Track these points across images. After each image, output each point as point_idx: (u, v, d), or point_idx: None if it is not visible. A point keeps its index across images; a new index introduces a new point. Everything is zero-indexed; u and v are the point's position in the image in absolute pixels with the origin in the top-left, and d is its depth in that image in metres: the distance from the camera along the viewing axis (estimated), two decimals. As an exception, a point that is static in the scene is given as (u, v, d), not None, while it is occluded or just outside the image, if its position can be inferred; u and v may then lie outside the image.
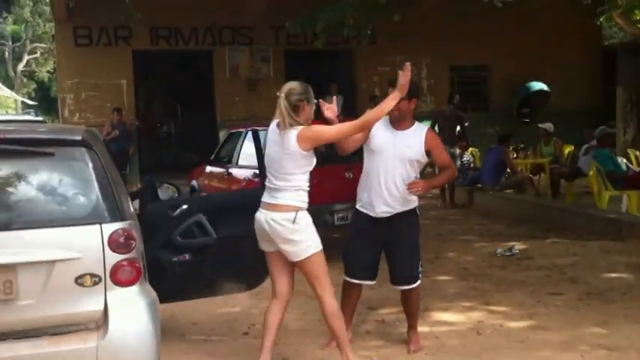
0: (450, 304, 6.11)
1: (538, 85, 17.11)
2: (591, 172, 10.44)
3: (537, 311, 5.84)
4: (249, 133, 8.23)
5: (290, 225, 4.28)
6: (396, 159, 4.82)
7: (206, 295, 5.51)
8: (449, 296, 6.34)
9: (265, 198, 4.43)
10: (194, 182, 10.21)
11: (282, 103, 4.33)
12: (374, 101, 13.67)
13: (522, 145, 12.53)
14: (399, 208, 4.87)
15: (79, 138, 3.52)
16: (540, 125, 12.39)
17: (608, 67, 17.74)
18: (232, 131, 9.94)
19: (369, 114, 4.48)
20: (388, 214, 4.88)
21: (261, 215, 4.40)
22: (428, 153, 4.93)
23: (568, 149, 12.77)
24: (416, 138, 4.87)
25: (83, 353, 3.24)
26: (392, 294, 6.06)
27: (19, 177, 3.40)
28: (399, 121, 4.88)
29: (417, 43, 16.15)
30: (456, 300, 6.23)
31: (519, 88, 17.16)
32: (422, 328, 5.42)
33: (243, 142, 8.86)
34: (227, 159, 9.39)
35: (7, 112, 34.26)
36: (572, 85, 17.27)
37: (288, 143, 4.30)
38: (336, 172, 7.44)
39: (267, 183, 4.45)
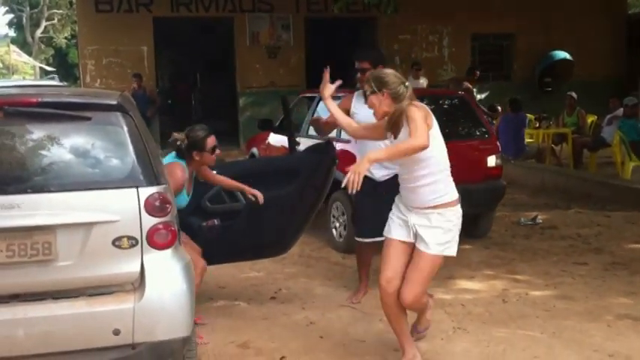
0: (475, 273, 6.14)
1: (561, 54, 16.87)
2: (615, 142, 10.36)
3: (562, 281, 5.85)
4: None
5: None
6: None
7: (233, 260, 5.58)
8: (473, 264, 6.36)
9: None
10: (254, 150, 9.63)
11: None
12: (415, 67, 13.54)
13: (545, 115, 12.41)
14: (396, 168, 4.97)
15: (114, 102, 3.53)
16: (569, 93, 12.31)
17: (632, 36, 17.49)
18: (303, 96, 9.17)
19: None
20: (389, 177, 5.04)
21: None
22: None
23: (591, 119, 12.66)
24: None
25: (120, 314, 3.28)
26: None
27: (56, 140, 3.42)
28: None
29: (438, 12, 16.00)
30: (481, 268, 6.26)
31: (542, 57, 16.94)
32: (447, 296, 5.48)
33: (316, 108, 7.84)
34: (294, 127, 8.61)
35: (24, 77, 34.45)
36: (595, 54, 17.02)
37: None
38: None
39: None
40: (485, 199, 6.94)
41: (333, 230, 7.07)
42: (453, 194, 4.02)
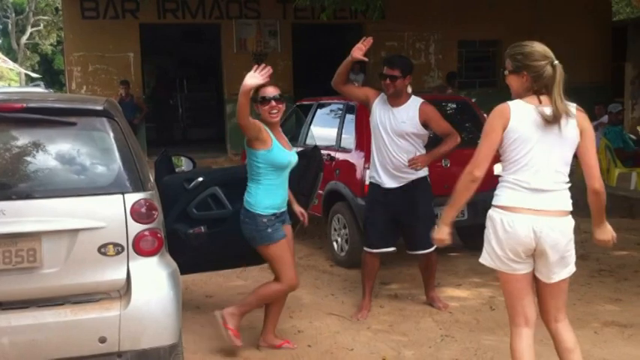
0: (462, 280, 6.14)
1: (546, 62, 16.97)
2: (600, 149, 10.41)
3: (549, 287, 5.84)
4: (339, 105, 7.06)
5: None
6: (394, 135, 5.08)
7: (220, 268, 5.56)
8: (460, 272, 6.36)
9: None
10: None
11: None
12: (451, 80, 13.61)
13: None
14: (409, 178, 5.13)
15: (100, 108, 3.50)
16: None
17: (617, 43, 17.62)
18: (300, 104, 8.42)
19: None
20: (398, 185, 5.13)
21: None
22: (425, 125, 5.13)
23: (577, 126, 12.72)
24: (410, 112, 5.11)
25: (106, 322, 3.24)
26: (404, 269, 6.12)
27: (41, 146, 3.39)
28: (394, 97, 5.13)
29: (425, 18, 16.05)
30: (468, 276, 6.26)
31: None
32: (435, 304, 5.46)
33: (313, 117, 7.52)
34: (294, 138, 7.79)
35: (9, 84, 34.21)
36: (581, 61, 17.11)
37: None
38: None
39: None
40: None
41: (334, 244, 6.83)
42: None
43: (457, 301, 5.59)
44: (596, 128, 11.36)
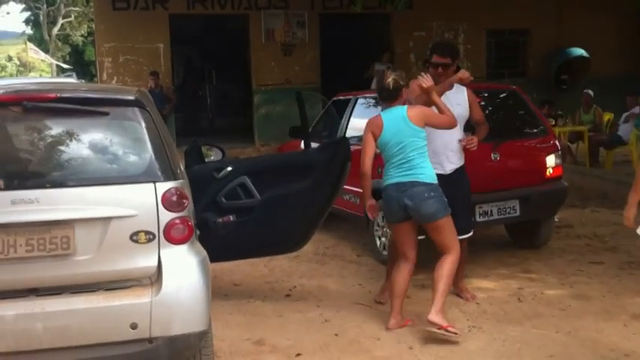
0: (489, 272, 6.11)
1: (577, 51, 16.73)
2: (631, 140, 10.29)
3: (578, 280, 5.82)
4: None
5: None
6: None
7: (248, 257, 5.61)
8: (488, 263, 6.33)
9: None
10: None
11: None
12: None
13: (560, 112, 12.34)
14: (458, 163, 5.23)
15: (132, 98, 3.55)
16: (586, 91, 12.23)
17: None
18: (337, 99, 8.00)
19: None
20: (452, 170, 5.20)
21: None
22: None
23: (607, 117, 12.57)
24: (460, 95, 5.25)
25: (137, 308, 3.30)
26: (430, 260, 6.09)
27: (75, 135, 3.45)
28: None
29: (453, 8, 15.90)
30: (495, 267, 6.23)
31: (558, 54, 16.82)
32: (462, 295, 5.46)
33: (352, 112, 7.28)
34: (328, 133, 7.72)
35: (40, 75, 34.68)
36: (612, 50, 16.88)
37: None
38: (478, 152, 5.66)
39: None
40: (547, 203, 6.42)
41: (377, 240, 6.50)
42: None
43: (484, 292, 5.58)
44: (627, 119, 11.25)
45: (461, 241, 5.25)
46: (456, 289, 5.47)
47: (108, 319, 3.29)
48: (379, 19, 16.26)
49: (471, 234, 5.35)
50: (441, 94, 4.95)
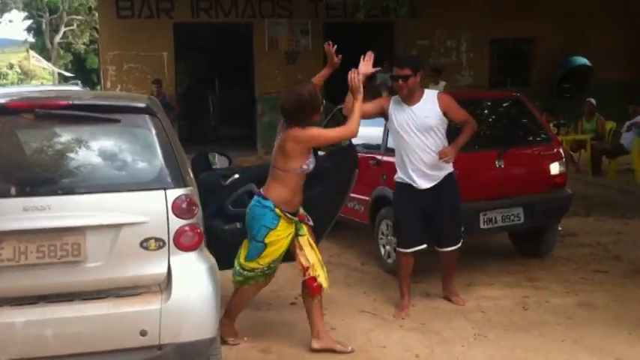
0: (494, 280, 6.12)
1: (580, 60, 16.76)
2: (634, 149, 10.31)
3: (583, 288, 5.82)
4: None
5: None
6: (420, 132, 5.09)
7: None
8: (492, 272, 6.34)
9: None
10: None
11: None
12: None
13: (563, 121, 12.36)
14: (439, 175, 5.15)
15: (143, 105, 3.58)
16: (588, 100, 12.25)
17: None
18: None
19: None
20: (431, 185, 5.15)
21: None
22: (445, 115, 5.15)
23: (610, 126, 12.59)
24: (429, 105, 5.13)
25: (147, 315, 3.32)
26: (435, 267, 6.11)
27: (86, 142, 3.48)
28: (409, 97, 5.14)
29: (456, 16, 15.94)
30: (500, 275, 6.24)
31: (561, 63, 16.84)
32: (468, 303, 5.47)
33: None
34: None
35: (42, 83, 34.73)
36: (615, 59, 16.90)
37: None
38: (483, 160, 6.15)
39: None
40: (551, 210, 6.42)
41: (381, 248, 6.51)
42: None
43: (490, 300, 5.59)
44: (629, 128, 11.26)
45: (450, 252, 5.36)
46: (446, 292, 5.51)
47: (118, 325, 3.31)
48: (383, 27, 16.29)
49: (459, 245, 5.34)
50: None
